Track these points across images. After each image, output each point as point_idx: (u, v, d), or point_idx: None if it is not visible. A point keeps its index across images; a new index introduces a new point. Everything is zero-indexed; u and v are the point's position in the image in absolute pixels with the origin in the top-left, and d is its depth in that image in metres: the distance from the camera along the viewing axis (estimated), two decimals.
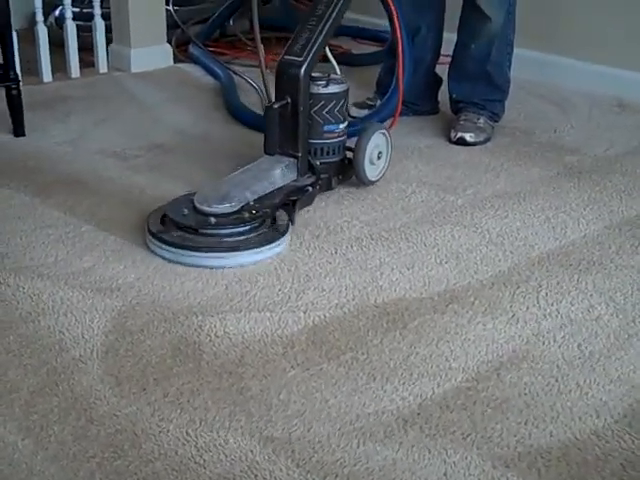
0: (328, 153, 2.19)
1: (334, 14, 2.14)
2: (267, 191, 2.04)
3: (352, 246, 1.97)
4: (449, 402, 1.42)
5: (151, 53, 3.45)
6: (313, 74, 2.13)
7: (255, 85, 3.12)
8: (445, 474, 1.26)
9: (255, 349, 1.56)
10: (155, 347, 1.56)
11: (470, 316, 1.68)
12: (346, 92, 2.20)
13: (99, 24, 3.34)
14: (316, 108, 2.14)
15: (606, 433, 1.34)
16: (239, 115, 2.85)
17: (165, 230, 1.92)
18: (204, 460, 1.27)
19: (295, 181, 2.13)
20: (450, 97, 2.81)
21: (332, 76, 2.18)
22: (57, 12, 3.74)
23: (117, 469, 1.25)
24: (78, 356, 1.52)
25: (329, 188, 2.23)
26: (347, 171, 2.27)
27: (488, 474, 1.26)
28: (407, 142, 2.64)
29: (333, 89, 2.15)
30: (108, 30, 3.42)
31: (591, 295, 1.76)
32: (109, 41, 3.45)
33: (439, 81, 2.90)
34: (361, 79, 3.26)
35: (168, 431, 1.33)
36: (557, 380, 1.48)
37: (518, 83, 2.84)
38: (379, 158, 2.29)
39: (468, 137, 2.66)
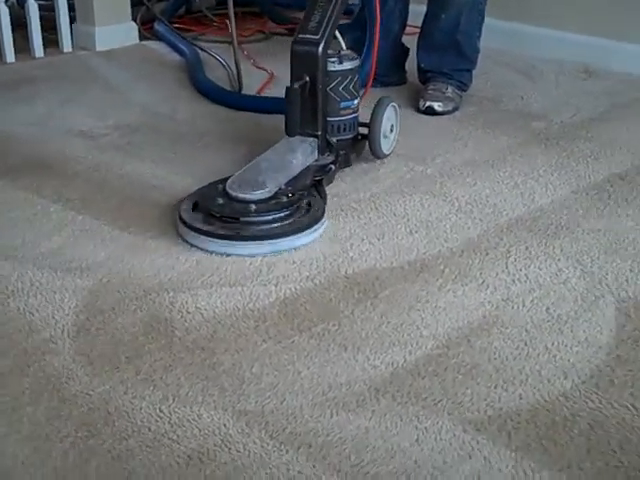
0: (345, 130, 2.18)
1: None
2: (295, 173, 2.01)
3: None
4: (420, 369, 1.43)
5: (116, 31, 3.42)
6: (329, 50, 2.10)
7: (222, 60, 3.10)
8: (417, 440, 1.27)
9: (227, 324, 1.57)
10: (127, 325, 1.56)
11: (440, 284, 1.70)
12: (358, 68, 2.18)
13: (61, 3, 3.29)
14: (332, 85, 2.12)
15: (574, 394, 1.36)
16: (205, 91, 2.84)
17: (204, 221, 1.86)
18: (178, 436, 1.28)
19: (316, 160, 2.11)
20: (418, 67, 2.81)
21: (342, 52, 2.16)
22: None
23: (91, 448, 1.25)
24: (49, 337, 1.51)
25: (347, 164, 2.22)
26: (361, 146, 2.27)
27: (459, 438, 1.27)
28: None
29: (347, 65, 2.13)
30: (71, 9, 3.38)
31: (559, 259, 1.78)
32: (73, 20, 3.41)
33: (406, 51, 2.90)
34: None
35: (141, 408, 1.33)
36: (526, 344, 1.50)
37: (484, 52, 2.84)
38: (391, 131, 2.30)
39: (437, 106, 2.67)
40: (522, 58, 3.21)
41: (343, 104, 2.16)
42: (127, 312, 1.59)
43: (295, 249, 1.83)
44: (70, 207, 2.01)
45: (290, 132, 2.07)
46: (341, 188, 2.13)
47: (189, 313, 1.59)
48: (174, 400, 1.36)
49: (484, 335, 1.53)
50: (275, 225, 1.86)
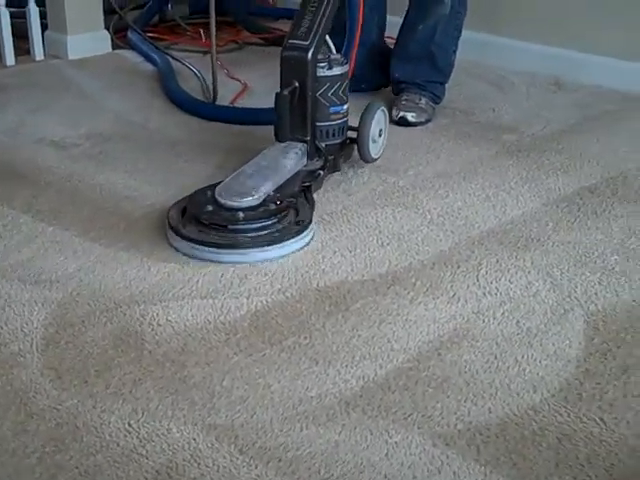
0: (334, 134, 2.18)
1: None
2: (284, 179, 2.01)
3: None
4: (391, 383, 1.44)
5: (88, 40, 3.39)
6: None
7: (195, 70, 3.10)
8: (387, 454, 1.27)
9: (198, 336, 1.56)
10: (96, 338, 1.55)
11: (412, 297, 1.70)
12: (348, 73, 2.19)
13: (33, 10, 3.27)
14: (322, 90, 2.12)
15: (543, 408, 1.37)
16: (178, 101, 2.83)
17: (192, 228, 1.87)
18: (147, 450, 1.27)
19: (305, 166, 2.11)
20: (392, 77, 2.82)
21: (332, 57, 2.16)
22: None
23: (58, 463, 1.24)
24: (17, 350, 1.50)
25: (336, 169, 2.22)
26: (350, 150, 2.28)
27: (429, 453, 1.28)
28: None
29: (337, 70, 2.14)
30: (43, 16, 3.36)
31: (529, 272, 1.80)
32: (45, 28, 3.39)
33: (388, 55, 2.87)
34: None
35: (110, 423, 1.32)
36: (496, 357, 1.51)
37: (457, 64, 2.85)
38: (380, 135, 2.30)
39: (410, 117, 2.67)
40: (494, 70, 3.23)
41: (332, 109, 2.16)
42: (97, 325, 1.58)
43: (278, 258, 1.84)
44: (40, 218, 2.00)
45: (280, 138, 2.08)
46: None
47: (160, 326, 1.59)
48: (143, 414, 1.35)
49: (455, 348, 1.53)
50: (263, 233, 1.86)
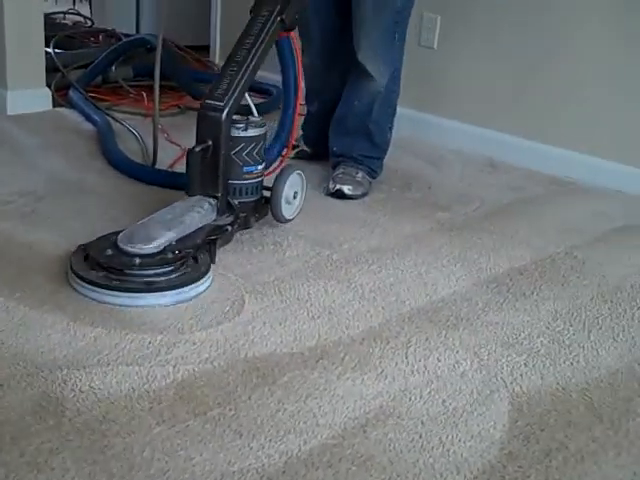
0: (247, 193, 2.26)
1: (254, 60, 2.21)
2: (188, 231, 2.06)
3: (226, 299, 1.96)
4: (315, 459, 1.42)
5: (29, 96, 3.38)
6: (233, 117, 2.19)
7: (135, 133, 3.10)
8: None
9: (121, 404, 1.53)
10: (15, 404, 1.50)
11: (339, 372, 1.70)
12: (265, 135, 2.28)
13: None
14: (236, 150, 2.21)
15: None
16: (115, 162, 2.82)
17: (90, 270, 1.94)
18: None
19: (215, 220, 2.17)
20: (331, 150, 2.86)
21: (251, 119, 2.25)
22: None
23: None
24: None
25: (247, 226, 2.29)
26: (264, 209, 2.35)
27: None
28: None
29: (252, 132, 2.22)
30: None
31: (457, 351, 1.81)
32: None
33: None
34: None
35: None
36: (421, 436, 1.50)
37: (395, 141, 2.91)
38: (294, 197, 2.39)
39: (346, 189, 2.71)
40: (432, 148, 3.31)
41: (246, 169, 2.24)
42: (17, 389, 1.54)
43: (172, 304, 1.89)
44: None
45: (191, 192, 2.16)
46: (246, 269, 2.12)
47: (82, 392, 1.55)
48: None
49: (380, 426, 1.53)
50: (158, 279, 1.93)
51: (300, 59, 2.44)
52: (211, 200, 2.16)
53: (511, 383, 1.70)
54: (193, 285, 1.95)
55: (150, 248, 1.96)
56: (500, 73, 3.26)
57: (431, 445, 1.48)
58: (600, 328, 1.96)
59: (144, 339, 1.76)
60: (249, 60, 2.20)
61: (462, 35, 3.36)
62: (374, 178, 2.83)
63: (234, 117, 2.19)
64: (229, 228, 2.18)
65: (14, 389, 1.54)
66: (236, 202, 2.22)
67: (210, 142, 2.13)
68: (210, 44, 4.52)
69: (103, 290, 1.89)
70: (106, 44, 4.09)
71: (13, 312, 1.81)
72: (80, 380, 1.58)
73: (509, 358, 1.79)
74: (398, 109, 2.87)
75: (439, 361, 1.76)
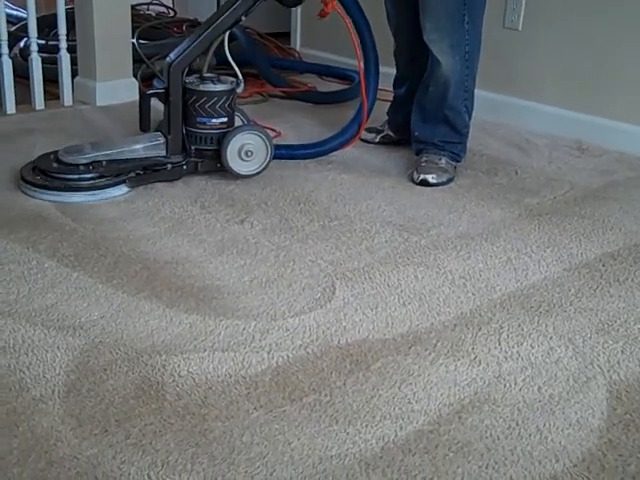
0: (201, 141, 2.58)
1: (219, 21, 2.52)
2: (123, 157, 2.50)
3: (317, 286, 1.98)
4: (411, 445, 1.43)
5: (116, 87, 3.46)
6: (205, 74, 2.59)
7: None
8: None
9: (218, 390, 1.56)
10: (118, 387, 1.55)
11: (432, 358, 1.70)
12: (223, 92, 2.57)
13: (64, 57, 3.34)
14: (191, 101, 2.55)
15: (564, 478, 1.36)
16: None
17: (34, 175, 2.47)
18: None
19: (165, 157, 2.55)
20: (413, 135, 2.84)
21: (222, 78, 2.60)
22: (22, 44, 3.73)
23: None
24: (39, 396, 1.50)
25: (195, 171, 2.61)
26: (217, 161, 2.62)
27: None
28: (371, 182, 2.67)
29: (207, 87, 2.55)
30: (73, 63, 3.42)
31: (551, 337, 1.79)
32: (74, 74, 3.45)
33: None
34: (325, 117, 3.31)
35: (129, 474, 1.32)
36: (517, 424, 1.49)
37: (480, 124, 2.89)
38: (248, 156, 2.60)
39: (430, 178, 2.69)
40: (517, 132, 3.27)
41: (199, 119, 2.56)
42: (119, 374, 1.59)
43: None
44: (65, 263, 2.01)
45: (141, 128, 2.59)
46: (336, 256, 2.14)
47: (181, 377, 1.59)
48: (163, 467, 1.34)
49: (475, 412, 1.53)
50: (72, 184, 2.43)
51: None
52: (160, 137, 2.53)
53: (608, 370, 1.67)
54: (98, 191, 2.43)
55: (76, 159, 2.44)
56: (585, 54, 3.19)
57: (528, 432, 1.47)
58: None
59: (238, 325, 1.79)
60: (214, 20, 2.53)
61: (547, 17, 3.30)
62: (458, 162, 2.81)
63: (207, 74, 2.59)
64: (169, 166, 2.54)
65: (116, 373, 1.59)
66: (192, 148, 2.56)
67: (163, 89, 2.52)
68: (291, 31, 4.54)
69: (37, 189, 2.41)
70: (189, 34, 4.14)
71: (112, 299, 1.87)
72: (178, 365, 1.62)
73: (605, 345, 1.76)
74: (484, 93, 2.84)
75: (533, 347, 1.75)
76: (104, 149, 2.50)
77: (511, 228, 2.37)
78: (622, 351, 1.74)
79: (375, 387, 1.59)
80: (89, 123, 3.19)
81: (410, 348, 1.73)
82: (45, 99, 3.34)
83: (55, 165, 2.45)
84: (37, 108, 3.31)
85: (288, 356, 1.68)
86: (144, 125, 2.57)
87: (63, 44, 3.32)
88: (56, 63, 3.36)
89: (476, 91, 2.80)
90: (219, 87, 2.56)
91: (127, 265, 2.03)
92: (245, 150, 2.58)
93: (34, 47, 3.24)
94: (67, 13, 3.34)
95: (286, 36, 4.55)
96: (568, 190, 2.69)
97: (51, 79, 3.39)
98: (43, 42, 3.52)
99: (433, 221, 2.39)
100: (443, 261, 2.14)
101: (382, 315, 1.86)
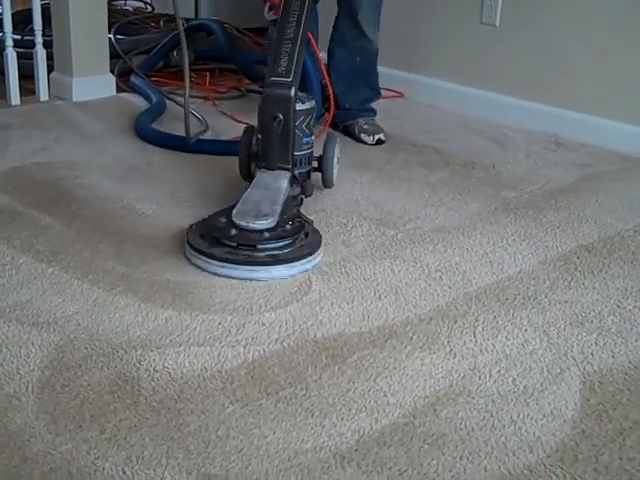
0: (306, 163, 2.37)
1: (303, 34, 2.30)
2: (283, 204, 2.12)
3: (293, 280, 1.98)
4: (386, 438, 1.43)
5: (93, 82, 3.44)
6: None
7: (197, 115, 3.13)
8: None
9: (194, 384, 1.56)
10: (92, 382, 1.54)
11: (408, 351, 1.70)
12: (314, 107, 2.39)
13: (40, 52, 3.32)
14: (297, 123, 2.28)
15: (538, 468, 1.37)
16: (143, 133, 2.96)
17: (219, 249, 2.01)
18: None
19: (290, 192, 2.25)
20: (342, 106, 3.05)
21: (299, 94, 2.31)
22: None
23: None
24: (12, 392, 1.49)
25: (309, 195, 2.39)
26: (311, 179, 2.44)
27: None
28: (348, 176, 2.67)
29: (308, 105, 2.33)
30: (49, 58, 3.40)
31: (526, 330, 1.80)
32: (50, 69, 3.43)
33: None
34: None
35: (104, 469, 1.31)
36: (492, 415, 1.50)
37: (457, 119, 2.90)
38: (338, 163, 2.51)
39: (382, 136, 3.02)
40: (495, 126, 3.28)
41: (305, 139, 2.34)
42: (94, 369, 1.58)
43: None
44: (40, 259, 2.00)
45: (270, 165, 2.22)
46: None
47: (156, 372, 1.58)
48: (138, 461, 1.34)
49: (450, 405, 1.53)
50: (287, 250, 2.03)
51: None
52: (286, 172, 2.22)
53: (582, 362, 1.68)
54: (318, 252, 2.07)
55: (268, 223, 2.02)
56: (562, 49, 3.21)
57: (502, 424, 1.48)
58: None
59: (214, 320, 1.78)
60: (299, 35, 2.28)
61: (524, 12, 3.31)
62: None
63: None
64: (302, 197, 2.29)
65: (91, 369, 1.58)
66: (297, 172, 2.30)
67: (281, 116, 2.18)
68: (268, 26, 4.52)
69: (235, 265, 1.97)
70: (167, 29, 4.13)
71: (87, 294, 1.86)
72: (154, 360, 1.62)
73: (579, 337, 1.78)
74: (461, 88, 2.93)
75: (507, 340, 1.76)
76: (272, 202, 2.11)
77: (487, 221, 2.38)
78: (596, 343, 1.75)
79: (351, 380, 1.59)
80: (65, 118, 3.17)
81: (386, 341, 1.73)
82: (21, 94, 3.32)
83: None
84: (12, 103, 3.29)
85: (264, 350, 1.68)
86: (274, 161, 2.23)
87: (39, 39, 3.30)
88: (32, 58, 3.34)
89: (455, 86, 2.86)
90: (312, 102, 2.36)
91: (103, 260, 2.02)
92: (337, 158, 2.50)
93: (9, 42, 3.21)
94: (43, 8, 3.32)
95: (263, 31, 4.53)
96: (544, 184, 2.70)
97: (27, 74, 3.37)
98: (19, 37, 3.49)
99: (410, 215, 2.40)
100: (419, 254, 2.15)
101: (358, 309, 1.86)
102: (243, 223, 2.02)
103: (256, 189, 2.15)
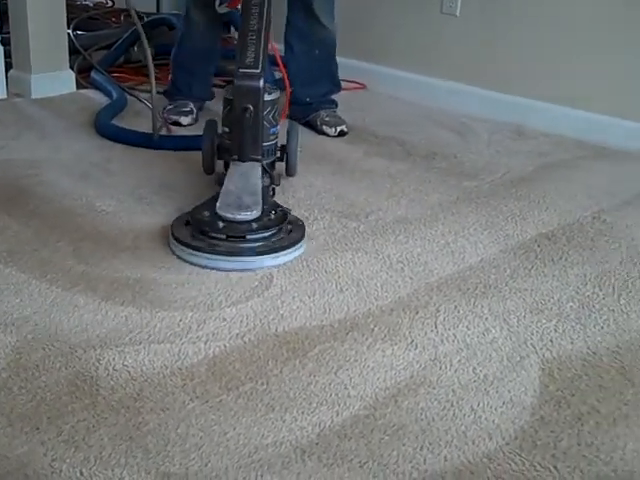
0: (272, 153, 2.33)
1: (266, 25, 2.27)
2: (261, 194, 2.12)
3: (254, 274, 1.97)
4: (347, 431, 1.43)
5: (52, 79, 3.40)
6: None
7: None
8: None
9: (154, 382, 1.55)
10: (50, 383, 1.52)
11: (370, 343, 1.70)
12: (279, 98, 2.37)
13: None
14: (265, 113, 2.24)
15: (497, 456, 1.38)
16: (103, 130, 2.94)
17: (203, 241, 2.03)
18: None
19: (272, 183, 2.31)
20: (302, 101, 3.06)
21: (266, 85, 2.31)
22: None
23: None
24: None
25: (278, 184, 2.36)
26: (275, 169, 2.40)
27: None
28: (310, 169, 2.66)
29: (274, 95, 2.30)
30: (7, 55, 3.36)
31: (486, 318, 1.81)
32: (9, 66, 3.39)
33: None
34: None
35: (61, 471, 1.30)
36: (452, 404, 1.51)
37: (419, 110, 2.91)
38: (300, 151, 2.50)
39: (345, 128, 3.04)
40: (456, 117, 3.29)
41: (272, 130, 2.30)
42: (52, 370, 1.56)
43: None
44: None
45: (243, 157, 2.19)
46: None
47: (115, 371, 1.57)
48: (96, 462, 1.33)
49: (411, 395, 1.54)
50: (276, 239, 2.06)
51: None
52: (257, 164, 2.20)
53: (541, 349, 1.69)
54: (303, 241, 2.11)
55: (252, 214, 2.03)
56: (523, 38, 3.22)
57: (463, 413, 1.49)
58: (630, 291, 1.95)
59: (174, 317, 1.77)
60: (263, 26, 2.27)
61: (484, 2, 3.32)
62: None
63: None
64: (274, 187, 2.30)
65: (49, 370, 1.56)
66: (265, 163, 2.27)
67: (252, 108, 2.16)
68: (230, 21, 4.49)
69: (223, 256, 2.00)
70: (127, 24, 4.09)
71: (46, 294, 1.84)
72: (113, 359, 1.60)
73: (539, 324, 1.79)
74: (423, 78, 2.95)
75: (468, 329, 1.77)
76: (251, 193, 2.11)
77: (449, 212, 2.38)
78: (555, 329, 1.77)
79: (312, 374, 1.59)
80: (24, 116, 3.13)
81: (347, 334, 1.73)
82: None
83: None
84: None
85: (225, 346, 1.67)
86: (246, 154, 2.21)
87: None
88: None
89: (416, 77, 2.87)
90: (278, 92, 2.33)
91: (62, 259, 2.00)
92: (299, 146, 2.48)
93: None
94: (0, 4, 3.27)
95: (227, 25, 4.51)
96: (505, 173, 2.71)
97: None
98: None
99: (372, 207, 2.40)
100: (381, 246, 2.15)
101: (319, 302, 1.86)
102: (229, 215, 2.02)
103: (233, 181, 2.14)
